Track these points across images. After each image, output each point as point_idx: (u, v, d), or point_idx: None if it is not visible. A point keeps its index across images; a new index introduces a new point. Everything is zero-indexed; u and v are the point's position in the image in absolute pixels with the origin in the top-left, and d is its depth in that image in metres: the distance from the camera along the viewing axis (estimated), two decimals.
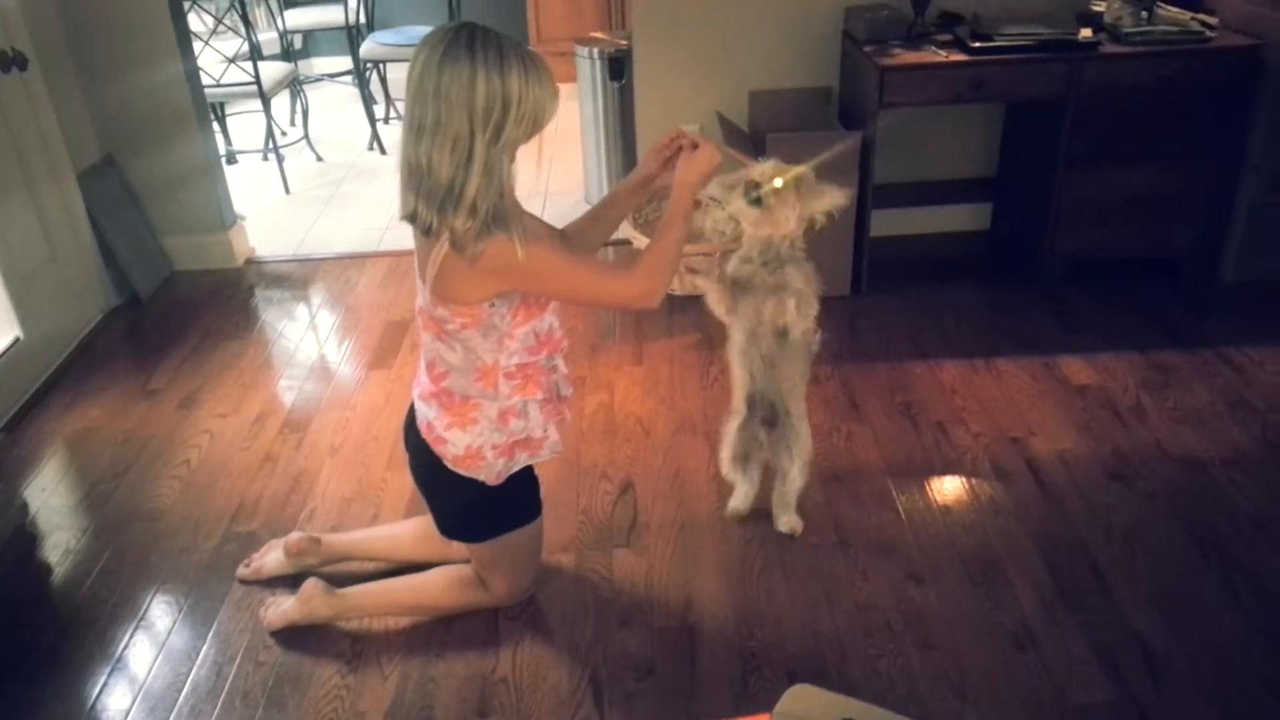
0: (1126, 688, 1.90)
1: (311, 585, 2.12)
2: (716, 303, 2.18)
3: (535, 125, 1.65)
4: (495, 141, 1.61)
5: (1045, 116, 3.19)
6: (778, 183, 2.02)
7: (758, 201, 2.03)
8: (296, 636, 2.10)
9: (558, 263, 1.75)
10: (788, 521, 2.31)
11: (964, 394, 2.81)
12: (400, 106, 5.83)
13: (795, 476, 2.27)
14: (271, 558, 2.26)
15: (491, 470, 1.91)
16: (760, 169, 2.05)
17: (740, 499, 2.37)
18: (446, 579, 2.14)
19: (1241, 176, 3.17)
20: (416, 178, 1.64)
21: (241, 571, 2.27)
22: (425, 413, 1.92)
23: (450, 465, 1.90)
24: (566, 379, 1.98)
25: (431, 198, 1.63)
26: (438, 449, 1.91)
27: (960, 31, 3.15)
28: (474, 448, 1.88)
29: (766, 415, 2.24)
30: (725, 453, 2.32)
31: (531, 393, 1.88)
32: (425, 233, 1.68)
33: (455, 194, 1.62)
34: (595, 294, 1.85)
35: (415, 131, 1.62)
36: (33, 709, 1.97)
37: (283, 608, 2.13)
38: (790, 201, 2.03)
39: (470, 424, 1.87)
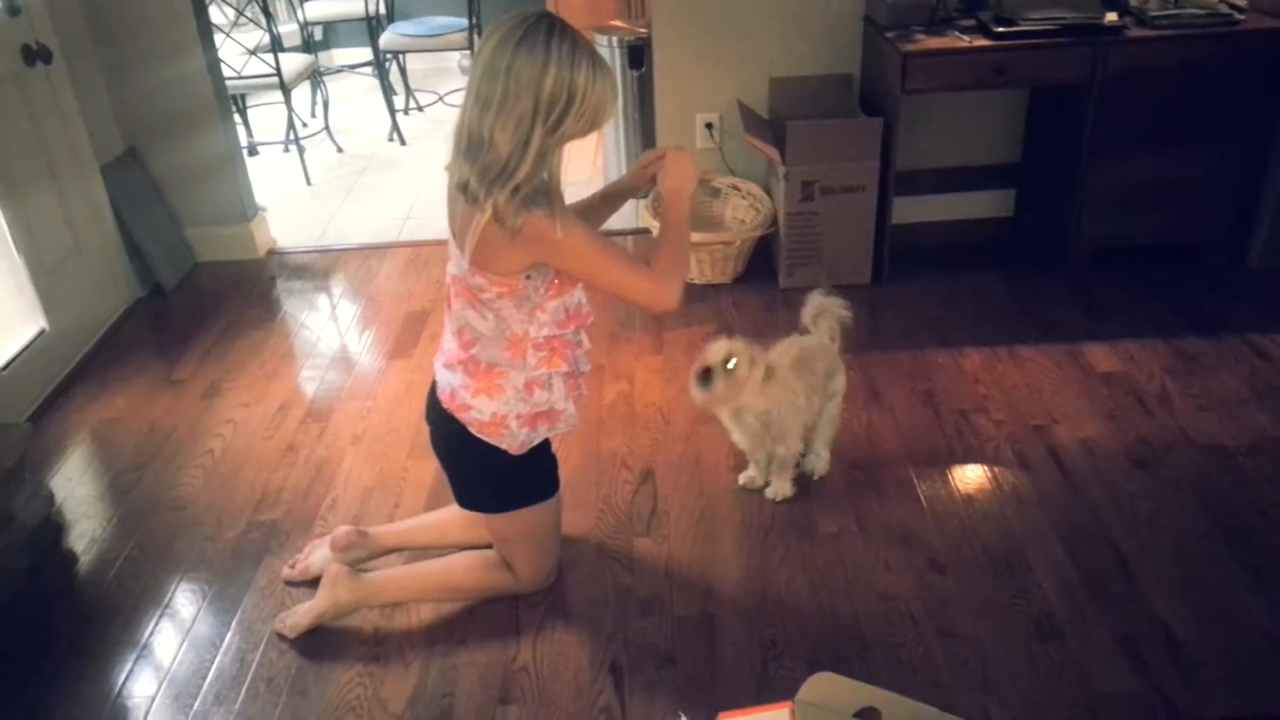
0: (1151, 677, 1.88)
1: (335, 570, 2.10)
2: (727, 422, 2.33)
3: (593, 124, 1.71)
4: (553, 132, 1.66)
5: (1070, 101, 3.16)
6: (731, 365, 2.11)
7: (707, 384, 2.11)
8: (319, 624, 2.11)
9: (590, 247, 1.78)
10: (772, 489, 2.40)
11: (987, 382, 2.79)
12: (420, 97, 5.85)
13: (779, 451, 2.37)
14: (317, 556, 2.21)
15: (514, 439, 1.93)
16: (714, 350, 2.12)
17: (752, 473, 2.45)
18: (471, 561, 2.14)
19: (1270, 161, 3.13)
20: (476, 149, 1.68)
21: (287, 574, 2.23)
22: (449, 380, 1.94)
23: (475, 432, 1.92)
24: (587, 355, 2.00)
25: (486, 172, 1.67)
26: (461, 415, 1.92)
27: (983, 16, 3.11)
28: (500, 415, 1.90)
29: None
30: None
31: (557, 365, 1.91)
32: (471, 203, 1.71)
33: (507, 172, 1.66)
34: (618, 284, 1.86)
35: (481, 106, 1.66)
36: (60, 695, 2.00)
37: (303, 606, 2.10)
38: (742, 385, 2.13)
39: (497, 392, 1.89)
